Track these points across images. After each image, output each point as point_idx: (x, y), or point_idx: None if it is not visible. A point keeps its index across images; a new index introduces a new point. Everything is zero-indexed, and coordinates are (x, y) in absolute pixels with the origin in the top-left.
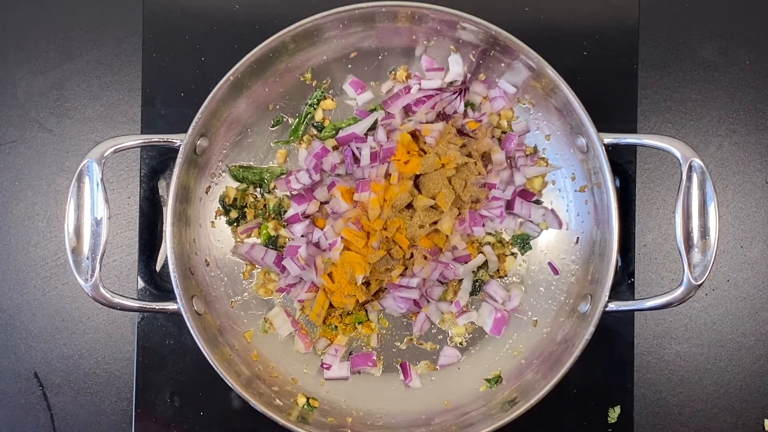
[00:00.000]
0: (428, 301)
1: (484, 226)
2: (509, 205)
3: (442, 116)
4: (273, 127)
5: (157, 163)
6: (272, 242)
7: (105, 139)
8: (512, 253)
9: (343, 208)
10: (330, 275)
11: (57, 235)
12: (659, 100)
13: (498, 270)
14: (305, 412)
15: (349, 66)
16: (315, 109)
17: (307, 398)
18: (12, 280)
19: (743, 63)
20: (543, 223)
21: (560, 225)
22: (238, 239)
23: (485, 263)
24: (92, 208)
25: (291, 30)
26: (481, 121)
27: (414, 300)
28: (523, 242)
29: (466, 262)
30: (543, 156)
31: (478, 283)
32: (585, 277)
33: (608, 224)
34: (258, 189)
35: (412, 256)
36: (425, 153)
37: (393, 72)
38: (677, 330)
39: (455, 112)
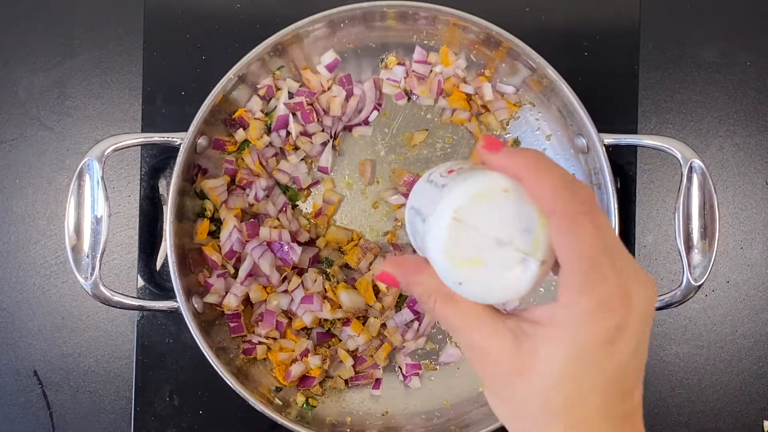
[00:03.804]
0: None
1: None
2: None
3: None
4: None
5: (157, 162)
6: None
7: (105, 137)
8: None
9: None
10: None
11: (57, 233)
12: (660, 101)
13: None
14: (304, 412)
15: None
16: None
17: (307, 397)
18: (12, 278)
19: (744, 64)
20: None
21: None
22: None
23: None
24: (92, 207)
25: (291, 30)
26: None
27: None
28: None
29: None
30: None
31: None
32: None
33: None
34: None
35: None
36: None
37: (383, 62)
38: (677, 331)
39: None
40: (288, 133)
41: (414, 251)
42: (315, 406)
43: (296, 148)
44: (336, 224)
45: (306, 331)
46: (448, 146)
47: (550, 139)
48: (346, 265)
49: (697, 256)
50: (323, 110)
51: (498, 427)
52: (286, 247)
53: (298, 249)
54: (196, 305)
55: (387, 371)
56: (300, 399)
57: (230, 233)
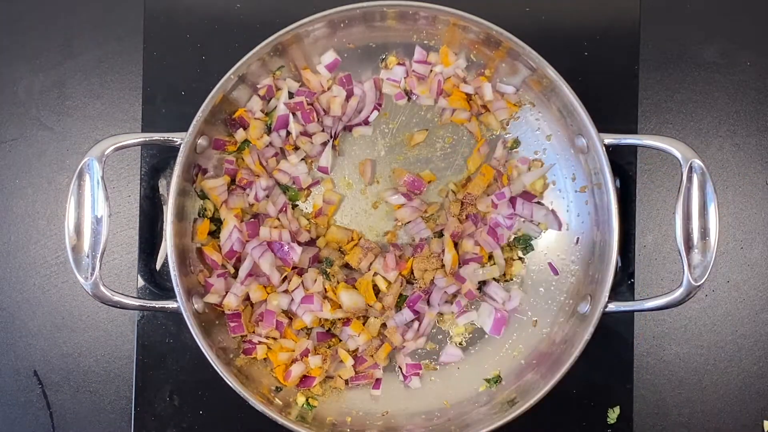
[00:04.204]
0: (429, 306)
1: (498, 241)
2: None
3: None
4: None
5: (157, 162)
6: None
7: (106, 137)
8: (519, 258)
9: None
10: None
11: (57, 233)
12: (660, 101)
13: (504, 274)
14: (304, 412)
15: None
16: None
17: (307, 397)
18: (12, 277)
19: (744, 64)
20: (542, 224)
21: (559, 226)
22: None
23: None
24: (93, 206)
25: (291, 30)
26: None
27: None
28: (525, 243)
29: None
30: (537, 158)
31: (478, 284)
32: (585, 278)
33: (608, 225)
34: None
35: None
36: None
37: (383, 62)
38: (677, 331)
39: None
40: (288, 133)
41: (413, 250)
42: (315, 406)
43: (296, 148)
44: (336, 224)
45: (306, 331)
46: (448, 146)
47: (550, 139)
48: (347, 265)
49: (697, 256)
50: (323, 110)
51: (498, 427)
52: (286, 247)
53: (298, 249)
54: (196, 305)
55: (387, 371)
56: (300, 399)
57: (230, 233)
